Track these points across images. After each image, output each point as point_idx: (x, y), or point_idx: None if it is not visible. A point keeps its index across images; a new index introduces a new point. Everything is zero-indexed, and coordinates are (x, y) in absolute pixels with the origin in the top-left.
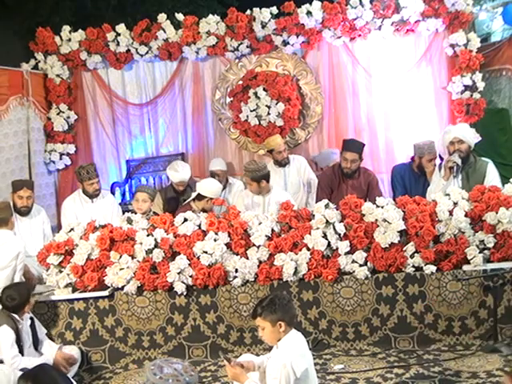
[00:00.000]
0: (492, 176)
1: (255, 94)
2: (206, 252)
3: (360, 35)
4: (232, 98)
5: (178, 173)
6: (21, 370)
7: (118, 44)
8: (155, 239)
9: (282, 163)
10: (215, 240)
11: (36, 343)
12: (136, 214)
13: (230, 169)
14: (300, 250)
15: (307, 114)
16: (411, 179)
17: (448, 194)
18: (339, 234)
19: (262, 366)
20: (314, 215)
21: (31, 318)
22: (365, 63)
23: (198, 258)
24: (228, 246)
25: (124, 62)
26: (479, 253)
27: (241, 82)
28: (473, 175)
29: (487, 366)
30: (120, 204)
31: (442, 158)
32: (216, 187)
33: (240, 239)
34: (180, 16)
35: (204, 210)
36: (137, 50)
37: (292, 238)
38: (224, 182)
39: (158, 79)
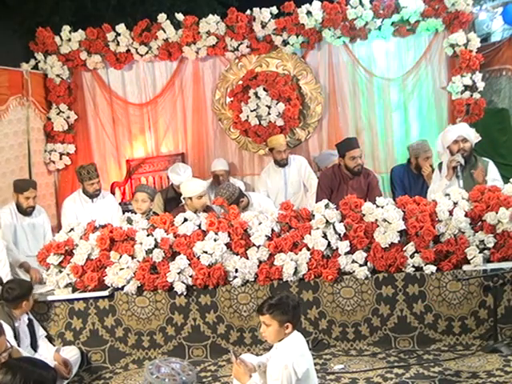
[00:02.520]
0: (494, 174)
1: (255, 94)
2: (206, 252)
3: (360, 35)
4: (232, 98)
5: (180, 176)
6: None
7: (118, 44)
8: (155, 239)
9: (280, 163)
10: (215, 240)
11: (34, 344)
12: (136, 213)
13: (230, 168)
14: (300, 250)
15: (307, 113)
16: (410, 180)
17: (448, 194)
18: (339, 234)
19: (261, 366)
20: (313, 215)
21: (29, 319)
22: (365, 63)
23: (198, 258)
24: (228, 245)
25: (124, 61)
26: (479, 253)
27: (241, 82)
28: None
29: (487, 366)
30: (120, 204)
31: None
32: (194, 185)
33: (240, 239)
34: (180, 16)
35: (204, 210)
36: (137, 50)
37: (292, 237)
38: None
39: (158, 79)
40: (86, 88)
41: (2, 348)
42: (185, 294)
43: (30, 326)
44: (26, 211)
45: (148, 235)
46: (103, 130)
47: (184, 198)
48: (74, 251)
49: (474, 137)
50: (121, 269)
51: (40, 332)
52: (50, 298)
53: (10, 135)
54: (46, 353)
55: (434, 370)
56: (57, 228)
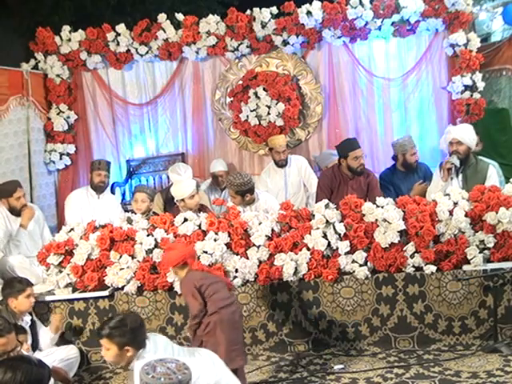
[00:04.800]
0: (493, 181)
1: (255, 93)
2: (206, 252)
3: (360, 35)
4: (232, 98)
5: (180, 176)
6: None
7: (118, 44)
8: (155, 239)
9: (278, 164)
10: (215, 240)
11: (35, 345)
12: (136, 214)
13: (230, 169)
14: (300, 250)
15: (307, 113)
16: (401, 180)
17: (448, 194)
18: (339, 234)
19: None
20: (313, 215)
21: (32, 321)
22: (365, 63)
23: (198, 257)
24: (228, 245)
25: (124, 61)
26: (479, 253)
27: (241, 82)
28: (472, 177)
29: (487, 365)
30: (120, 204)
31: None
32: (184, 186)
33: (240, 239)
34: (180, 16)
35: (200, 209)
36: (137, 49)
37: (292, 237)
38: (226, 183)
39: (158, 79)
40: (85, 88)
41: (12, 345)
42: None
43: (33, 327)
44: (20, 212)
45: (148, 235)
46: (103, 129)
47: (177, 201)
48: (74, 251)
49: (472, 139)
50: (121, 269)
51: (45, 334)
52: (49, 298)
53: (10, 135)
54: (51, 351)
55: (434, 370)
56: (57, 227)
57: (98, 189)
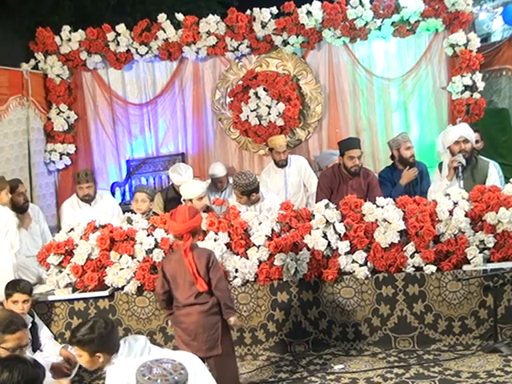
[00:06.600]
0: (493, 178)
1: (255, 93)
2: None
3: (360, 35)
4: (232, 98)
5: (181, 176)
6: None
7: (118, 44)
8: (155, 239)
9: (279, 164)
10: (215, 240)
11: (35, 346)
12: (136, 214)
13: (230, 171)
14: (300, 250)
15: (307, 113)
16: (399, 178)
17: (448, 194)
18: (339, 234)
19: None
20: (313, 215)
21: (33, 322)
22: (365, 63)
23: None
24: (228, 245)
25: (124, 62)
26: (479, 253)
27: (241, 82)
28: (475, 176)
29: (487, 365)
30: (120, 204)
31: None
32: (194, 187)
33: (240, 239)
34: (180, 16)
35: (204, 210)
36: (137, 49)
37: (292, 237)
38: (226, 185)
39: (158, 79)
40: (86, 88)
41: (24, 341)
42: None
43: (34, 328)
44: (22, 207)
45: (148, 235)
46: (103, 130)
47: (184, 200)
48: (74, 251)
49: (474, 137)
50: (121, 269)
51: (46, 334)
52: (50, 298)
53: (10, 135)
54: (52, 352)
55: (434, 370)
56: (56, 229)
57: (86, 201)
